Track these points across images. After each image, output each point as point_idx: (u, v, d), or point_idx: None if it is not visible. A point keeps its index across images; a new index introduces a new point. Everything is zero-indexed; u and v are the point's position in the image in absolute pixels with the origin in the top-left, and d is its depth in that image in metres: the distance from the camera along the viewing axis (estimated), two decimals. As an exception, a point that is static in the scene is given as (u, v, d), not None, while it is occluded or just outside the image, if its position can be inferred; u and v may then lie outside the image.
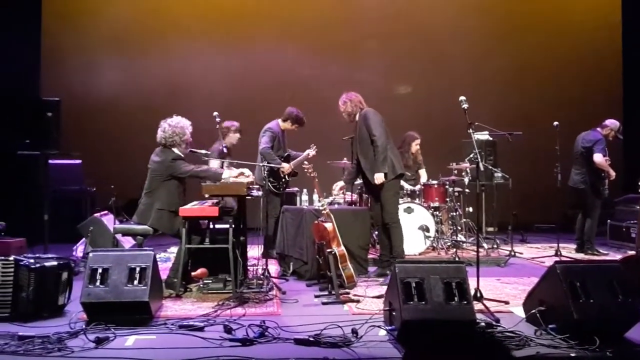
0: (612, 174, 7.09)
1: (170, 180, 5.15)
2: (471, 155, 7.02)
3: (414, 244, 6.81)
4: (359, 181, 7.47)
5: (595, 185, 7.14)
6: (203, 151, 5.54)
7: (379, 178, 5.55)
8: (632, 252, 4.95)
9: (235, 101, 9.17)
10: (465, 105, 4.90)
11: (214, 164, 6.01)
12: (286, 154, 6.92)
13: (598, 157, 7.01)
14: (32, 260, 4.20)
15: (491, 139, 8.04)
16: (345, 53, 9.96)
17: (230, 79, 9.60)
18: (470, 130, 4.93)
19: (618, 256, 5.43)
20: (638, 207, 7.15)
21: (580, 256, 7.01)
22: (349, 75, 9.84)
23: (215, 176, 5.12)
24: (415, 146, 7.76)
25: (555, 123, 6.97)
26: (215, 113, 5.70)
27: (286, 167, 6.71)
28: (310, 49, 9.95)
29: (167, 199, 5.13)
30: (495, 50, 10.20)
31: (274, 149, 6.70)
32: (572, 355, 3.38)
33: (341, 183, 6.23)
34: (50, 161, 7.13)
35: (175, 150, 5.25)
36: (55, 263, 4.28)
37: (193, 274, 5.05)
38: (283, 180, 6.82)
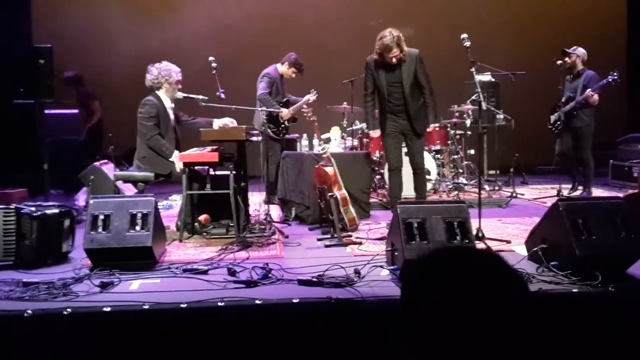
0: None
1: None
2: (473, 97, 6.92)
3: (415, 187, 6.78)
4: (358, 126, 7.44)
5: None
6: (200, 97, 5.46)
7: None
8: (635, 191, 4.93)
9: (232, 47, 8.99)
10: (467, 43, 4.80)
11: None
12: (285, 99, 6.82)
13: None
14: (33, 209, 4.19)
15: (493, 80, 7.92)
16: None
17: (228, 24, 9.36)
18: (473, 69, 4.84)
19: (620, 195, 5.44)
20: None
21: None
22: (349, 19, 9.61)
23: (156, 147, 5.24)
24: None
25: (559, 62, 6.83)
26: (211, 58, 5.59)
27: (285, 112, 6.63)
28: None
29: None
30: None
31: (272, 95, 6.61)
32: (575, 291, 3.40)
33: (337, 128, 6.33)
34: (47, 111, 7.03)
35: (161, 93, 5.33)
36: (56, 210, 4.27)
37: (198, 219, 5.10)
38: (282, 126, 6.75)
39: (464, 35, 4.79)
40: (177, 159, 5.16)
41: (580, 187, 7.07)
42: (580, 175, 7.00)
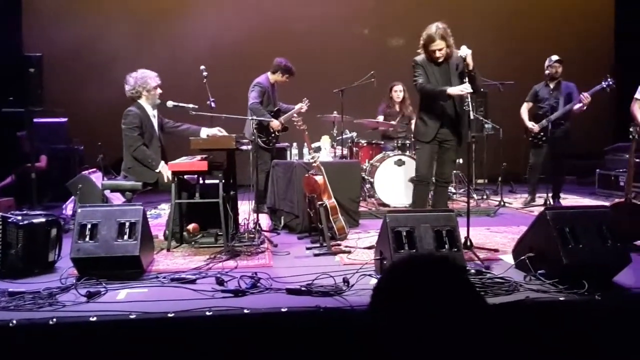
0: (528, 125, 6.97)
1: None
2: (464, 106, 6.96)
3: (404, 195, 6.80)
4: (347, 135, 7.46)
5: (528, 135, 7.08)
6: (190, 105, 5.46)
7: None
8: (622, 200, 4.97)
9: (222, 55, 9.00)
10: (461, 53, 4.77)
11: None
12: (276, 108, 6.83)
13: (521, 108, 7.13)
14: (19, 217, 4.15)
15: (482, 89, 7.96)
16: (336, 4, 9.74)
17: (218, 32, 9.37)
18: (465, 80, 4.84)
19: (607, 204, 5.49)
20: (628, 156, 7.13)
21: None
22: (340, 28, 9.67)
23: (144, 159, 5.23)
24: (395, 93, 7.68)
25: (547, 72, 6.89)
26: (202, 67, 5.59)
27: (276, 123, 6.64)
28: (299, 1, 9.72)
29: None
30: (489, 1, 10.04)
31: (264, 104, 6.62)
32: (561, 299, 3.42)
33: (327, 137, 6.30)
34: (36, 120, 7.03)
35: (142, 101, 5.31)
36: (43, 219, 4.24)
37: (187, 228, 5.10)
38: (273, 135, 6.76)
39: (464, 47, 4.76)
40: (164, 169, 5.15)
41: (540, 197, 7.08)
42: (542, 186, 6.98)
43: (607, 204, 5.40)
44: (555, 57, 6.89)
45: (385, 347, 1.15)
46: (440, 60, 4.87)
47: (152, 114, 5.38)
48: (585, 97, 6.55)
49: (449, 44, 4.81)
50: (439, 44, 4.79)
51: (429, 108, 5.00)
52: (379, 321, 1.18)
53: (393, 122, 7.43)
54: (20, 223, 4.09)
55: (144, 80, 5.30)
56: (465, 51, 4.68)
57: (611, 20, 10.37)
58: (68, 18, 9.02)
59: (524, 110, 7.10)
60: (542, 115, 6.92)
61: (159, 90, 5.38)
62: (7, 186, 7.33)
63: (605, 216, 3.94)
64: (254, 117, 6.00)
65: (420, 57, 4.98)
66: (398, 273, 1.22)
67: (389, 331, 1.14)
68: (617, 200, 5.31)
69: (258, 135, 6.40)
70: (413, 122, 7.66)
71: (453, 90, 4.76)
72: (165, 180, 5.13)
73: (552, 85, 6.94)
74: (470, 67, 4.70)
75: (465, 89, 4.67)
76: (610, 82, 6.53)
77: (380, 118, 7.69)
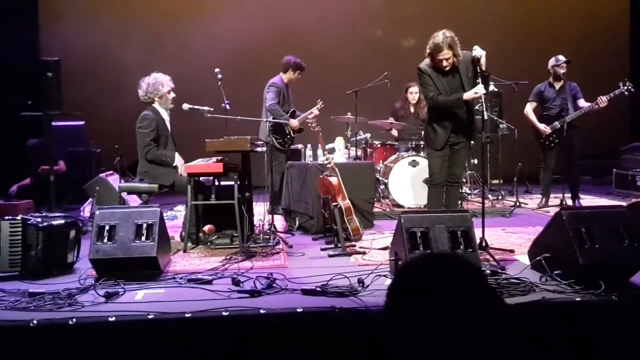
0: (541, 128, 6.82)
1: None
2: (476, 106, 6.94)
3: (419, 196, 6.79)
4: (362, 136, 7.47)
5: (538, 137, 6.93)
6: (206, 108, 5.50)
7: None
8: (639, 199, 4.93)
9: (235, 58, 9.05)
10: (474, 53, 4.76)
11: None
12: (292, 109, 6.86)
13: (525, 108, 6.99)
14: (39, 219, 4.22)
15: (496, 89, 7.94)
16: (348, 5, 9.76)
17: (231, 36, 9.43)
18: (478, 80, 4.83)
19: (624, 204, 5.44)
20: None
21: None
22: (353, 30, 9.68)
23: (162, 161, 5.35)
24: (411, 95, 7.67)
25: (562, 71, 6.83)
26: (217, 70, 5.63)
27: (294, 122, 6.67)
28: (311, 2, 9.75)
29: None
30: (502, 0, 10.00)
31: (280, 105, 6.66)
32: (578, 299, 3.40)
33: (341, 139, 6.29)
34: (54, 123, 7.12)
35: (156, 105, 5.44)
36: (62, 221, 4.30)
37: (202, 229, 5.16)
38: (288, 136, 6.80)
39: (476, 47, 4.76)
40: (180, 163, 5.26)
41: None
42: (557, 187, 6.90)
43: (623, 203, 5.35)
44: (562, 58, 6.80)
45: (397, 347, 1.16)
46: (447, 69, 4.81)
47: (166, 117, 5.52)
48: (603, 100, 6.44)
49: (456, 53, 4.71)
50: (446, 54, 4.69)
51: (439, 116, 4.98)
52: (393, 320, 1.18)
53: (404, 123, 7.45)
54: (40, 225, 4.16)
55: (155, 87, 5.43)
56: (480, 52, 4.67)
57: (627, 19, 10.25)
58: (84, 23, 9.13)
59: (530, 110, 6.99)
60: (552, 117, 6.81)
61: (172, 95, 5.49)
62: (25, 186, 7.43)
63: (622, 216, 3.91)
64: (270, 119, 6.04)
65: (425, 65, 4.91)
66: (411, 272, 1.23)
67: (404, 330, 1.15)
68: (634, 200, 5.28)
69: (274, 137, 6.47)
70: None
71: (468, 94, 4.75)
72: (180, 174, 5.22)
73: (557, 86, 6.86)
74: (484, 68, 4.70)
75: (479, 90, 4.67)
76: (630, 87, 6.43)
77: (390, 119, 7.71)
